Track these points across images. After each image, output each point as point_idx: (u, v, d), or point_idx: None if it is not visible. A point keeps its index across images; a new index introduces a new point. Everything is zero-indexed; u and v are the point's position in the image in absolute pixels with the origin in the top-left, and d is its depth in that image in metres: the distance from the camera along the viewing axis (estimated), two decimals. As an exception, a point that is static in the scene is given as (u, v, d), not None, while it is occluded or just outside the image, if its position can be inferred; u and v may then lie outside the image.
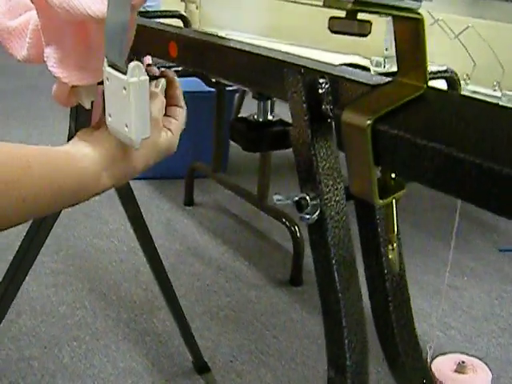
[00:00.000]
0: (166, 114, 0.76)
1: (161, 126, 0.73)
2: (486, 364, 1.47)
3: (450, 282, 2.14)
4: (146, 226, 1.44)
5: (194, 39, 0.67)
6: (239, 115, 2.57)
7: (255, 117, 0.64)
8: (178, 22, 1.11)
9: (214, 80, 0.89)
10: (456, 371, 1.41)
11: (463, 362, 1.41)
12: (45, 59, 0.72)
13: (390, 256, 0.53)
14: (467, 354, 1.50)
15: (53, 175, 0.67)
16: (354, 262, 0.54)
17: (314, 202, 0.52)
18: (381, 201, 0.47)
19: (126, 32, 0.59)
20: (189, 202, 2.68)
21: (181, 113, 0.78)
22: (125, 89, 0.59)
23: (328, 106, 0.51)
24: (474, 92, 0.92)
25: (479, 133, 0.43)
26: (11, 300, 1.28)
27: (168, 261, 2.18)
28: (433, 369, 1.41)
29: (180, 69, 0.92)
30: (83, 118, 1.02)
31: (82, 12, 0.62)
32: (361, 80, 0.50)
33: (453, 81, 0.60)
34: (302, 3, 1.04)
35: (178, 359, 1.72)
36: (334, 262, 0.52)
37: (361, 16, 0.51)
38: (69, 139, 1.04)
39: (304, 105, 0.51)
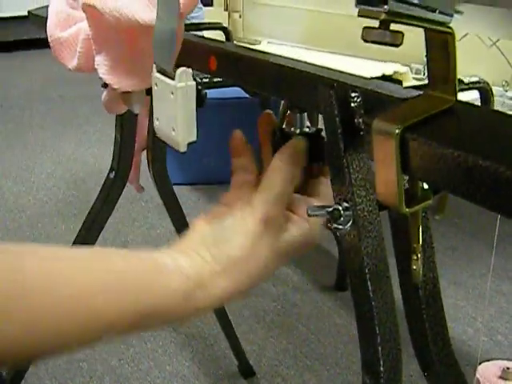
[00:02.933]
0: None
1: (278, 222, 0.61)
2: (533, 370, 1.45)
3: (497, 288, 2.12)
4: (184, 215, 1.43)
5: (232, 53, 0.69)
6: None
7: (291, 129, 0.65)
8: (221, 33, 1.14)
9: (255, 89, 0.91)
10: (501, 377, 1.40)
11: (508, 369, 1.40)
12: (96, 67, 0.75)
13: (414, 267, 0.54)
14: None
15: (128, 300, 0.56)
16: (387, 270, 0.55)
17: (347, 213, 0.54)
18: (407, 209, 0.48)
19: (174, 39, 0.61)
20: (235, 206, 2.70)
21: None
22: (172, 93, 0.61)
23: (360, 120, 0.53)
24: (514, 99, 0.91)
25: (506, 143, 0.44)
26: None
27: (214, 265, 2.20)
28: (477, 375, 1.40)
29: (220, 79, 0.94)
30: (128, 130, 1.05)
31: (132, 19, 0.65)
32: (391, 94, 0.52)
33: (485, 91, 0.61)
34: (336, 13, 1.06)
35: (223, 363, 1.75)
36: (367, 271, 0.54)
37: (394, 27, 0.52)
38: (114, 151, 1.07)
39: (337, 119, 0.53)
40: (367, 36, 0.50)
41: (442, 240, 2.37)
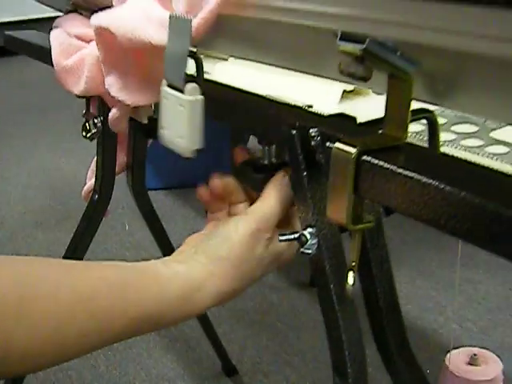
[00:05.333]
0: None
1: (271, 234, 0.69)
2: (499, 355, 1.54)
3: (464, 276, 2.21)
4: (167, 237, 1.51)
5: (207, 87, 0.76)
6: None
7: (260, 161, 0.73)
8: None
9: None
10: (469, 364, 1.48)
11: (475, 355, 1.49)
12: (106, 87, 0.82)
13: (350, 282, 0.60)
14: (481, 347, 1.57)
15: (124, 305, 0.62)
16: (350, 284, 0.64)
17: (313, 238, 0.62)
18: (353, 226, 0.56)
19: (186, 58, 0.68)
20: (210, 209, 2.76)
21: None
22: (182, 106, 0.68)
23: (321, 156, 0.61)
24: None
25: (452, 172, 0.52)
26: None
27: (193, 268, 2.27)
28: (446, 362, 1.48)
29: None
30: (109, 153, 1.11)
31: (145, 40, 0.71)
32: (348, 132, 0.60)
33: (432, 121, 0.68)
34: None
35: (207, 363, 1.82)
36: (332, 286, 0.62)
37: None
38: (96, 175, 1.14)
39: (300, 157, 0.60)
40: (342, 66, 0.56)
41: (410, 232, 2.46)
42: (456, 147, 0.73)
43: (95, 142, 1.18)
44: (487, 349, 1.57)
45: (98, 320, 0.61)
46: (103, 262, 0.67)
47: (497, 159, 0.69)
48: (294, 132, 0.61)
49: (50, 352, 0.60)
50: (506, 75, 0.46)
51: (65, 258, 1.25)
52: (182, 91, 0.69)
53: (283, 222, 0.72)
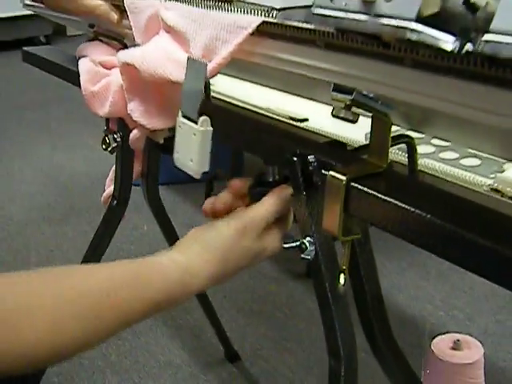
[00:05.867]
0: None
1: (258, 233, 0.80)
2: (483, 341, 1.65)
3: (452, 266, 2.30)
4: (174, 229, 1.60)
5: (216, 109, 0.89)
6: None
7: (265, 177, 0.86)
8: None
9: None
10: (453, 348, 1.61)
11: (458, 341, 1.61)
12: (129, 112, 0.94)
13: (341, 281, 0.73)
14: (465, 333, 1.68)
15: (137, 295, 0.73)
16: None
17: (312, 246, 0.75)
18: (343, 238, 0.69)
19: (201, 95, 0.79)
20: (210, 204, 2.86)
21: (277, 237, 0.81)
22: (194, 135, 0.81)
23: (317, 178, 0.73)
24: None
25: (423, 196, 0.64)
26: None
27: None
28: (432, 347, 1.61)
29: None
30: (127, 164, 1.24)
31: (165, 77, 0.83)
32: (341, 158, 0.73)
33: (410, 144, 0.81)
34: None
35: (211, 350, 1.94)
36: (327, 285, 0.75)
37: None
38: (115, 182, 1.26)
39: (300, 179, 0.73)
40: (335, 112, 0.70)
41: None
42: (434, 160, 0.86)
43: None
44: (471, 335, 1.69)
45: (119, 312, 0.72)
46: (122, 260, 0.79)
47: (469, 171, 0.82)
48: (295, 159, 0.73)
49: (80, 346, 0.71)
50: (463, 122, 0.59)
51: (86, 256, 1.37)
52: (195, 122, 0.81)
53: (279, 220, 0.83)
